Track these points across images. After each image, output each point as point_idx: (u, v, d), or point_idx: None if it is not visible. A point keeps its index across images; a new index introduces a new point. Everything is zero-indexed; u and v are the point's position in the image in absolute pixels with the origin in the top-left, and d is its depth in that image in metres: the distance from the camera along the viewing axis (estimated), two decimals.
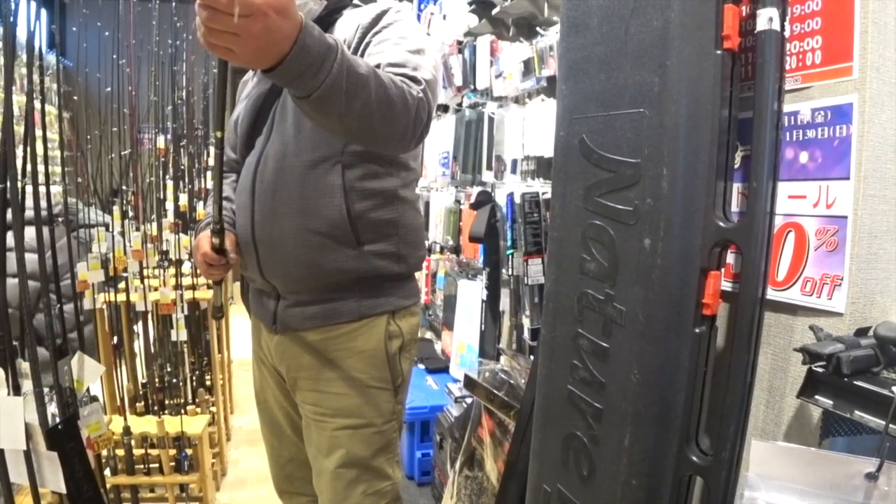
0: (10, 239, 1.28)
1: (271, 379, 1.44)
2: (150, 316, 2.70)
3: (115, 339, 2.60)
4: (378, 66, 1.12)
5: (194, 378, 2.96)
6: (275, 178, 1.27)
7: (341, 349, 1.31)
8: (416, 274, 1.45)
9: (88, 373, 1.48)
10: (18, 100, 1.83)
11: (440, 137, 3.00)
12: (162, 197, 3.01)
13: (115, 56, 2.84)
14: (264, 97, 1.36)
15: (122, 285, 2.53)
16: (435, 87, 1.22)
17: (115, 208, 2.70)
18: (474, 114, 2.64)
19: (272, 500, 1.61)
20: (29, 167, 1.39)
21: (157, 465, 2.33)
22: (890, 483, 0.66)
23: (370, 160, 1.27)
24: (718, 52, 0.88)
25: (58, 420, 1.33)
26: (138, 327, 2.74)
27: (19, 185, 1.31)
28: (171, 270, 2.74)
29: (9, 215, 1.28)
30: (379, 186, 1.29)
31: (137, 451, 2.30)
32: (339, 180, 1.24)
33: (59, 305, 1.55)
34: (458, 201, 2.93)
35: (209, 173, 3.28)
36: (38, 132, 1.42)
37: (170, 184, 3.01)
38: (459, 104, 2.91)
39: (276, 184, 1.27)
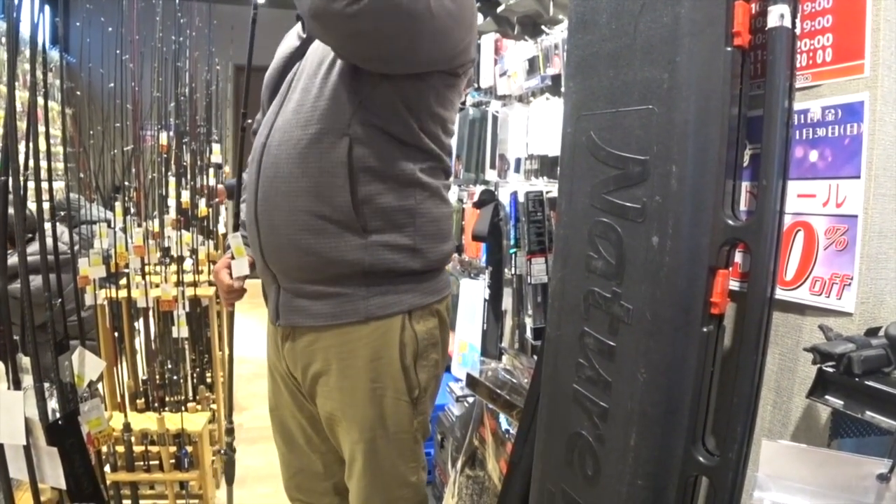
0: None
1: (285, 388, 1.37)
2: (151, 312, 2.69)
3: (116, 334, 2.60)
4: None
5: (195, 375, 2.95)
6: (278, 152, 1.18)
7: (352, 357, 1.23)
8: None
9: (89, 368, 1.48)
10: (21, 95, 1.82)
11: None
12: (164, 193, 3.01)
13: (118, 52, 2.84)
14: (287, 59, 1.30)
15: (123, 281, 2.53)
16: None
17: (117, 204, 2.69)
18: (478, 112, 2.63)
19: (272, 498, 1.61)
20: (31, 163, 1.38)
21: (157, 462, 2.33)
22: None
23: (384, 137, 1.17)
24: (728, 48, 0.87)
25: (58, 415, 1.32)
26: (139, 324, 2.74)
27: (21, 179, 1.30)
28: (173, 267, 2.74)
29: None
30: (392, 168, 1.17)
31: (137, 448, 2.30)
32: (345, 157, 1.14)
33: (59, 300, 1.54)
34: (460, 200, 2.92)
35: (211, 170, 3.28)
36: (41, 128, 1.42)
37: (172, 180, 3.00)
38: (463, 103, 2.91)
39: (280, 158, 1.18)
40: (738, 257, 0.96)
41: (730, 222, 0.87)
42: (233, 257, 1.43)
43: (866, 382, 0.71)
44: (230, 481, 1.53)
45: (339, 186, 1.15)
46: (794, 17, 0.85)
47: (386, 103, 1.16)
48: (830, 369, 0.75)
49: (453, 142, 2.80)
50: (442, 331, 1.31)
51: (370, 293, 1.20)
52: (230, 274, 1.42)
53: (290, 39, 1.36)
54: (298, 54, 1.27)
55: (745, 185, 0.95)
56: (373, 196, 1.17)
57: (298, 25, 1.36)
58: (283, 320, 1.27)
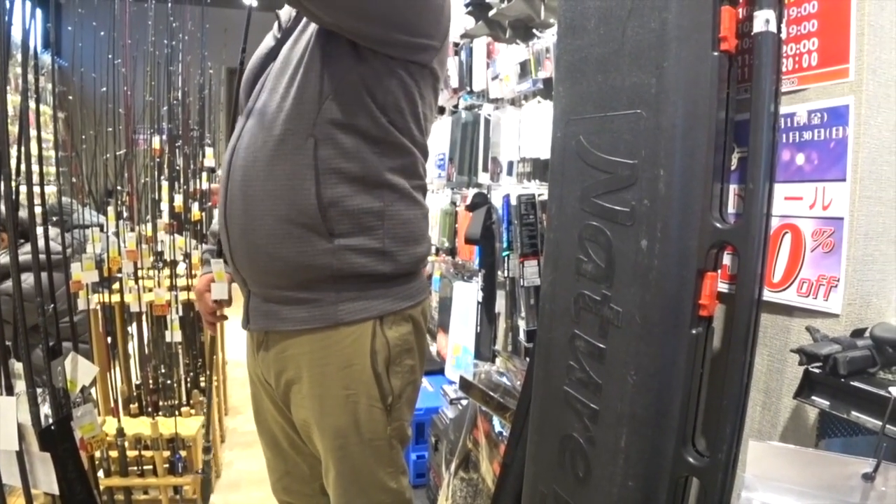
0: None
1: (264, 394, 1.36)
2: (144, 317, 2.69)
3: (109, 339, 2.60)
4: None
5: (189, 379, 2.95)
6: (246, 155, 1.17)
7: (324, 365, 1.21)
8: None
9: (82, 373, 1.47)
10: (13, 99, 1.82)
11: (436, 139, 3.00)
12: (157, 197, 3.00)
13: (110, 56, 2.84)
14: (262, 60, 1.29)
15: (116, 286, 2.53)
16: None
17: (110, 209, 2.69)
18: (470, 116, 2.63)
19: (266, 502, 1.61)
20: (23, 167, 1.38)
21: (150, 466, 2.33)
22: (887, 483, 0.66)
23: (351, 134, 1.14)
24: (715, 53, 0.88)
25: (51, 421, 1.32)
26: (132, 328, 2.73)
27: (13, 184, 1.30)
28: (166, 271, 2.74)
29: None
30: (359, 169, 1.14)
31: (131, 453, 2.30)
32: (310, 159, 1.11)
33: (52, 305, 1.54)
34: (453, 203, 2.92)
35: (204, 174, 3.28)
36: (33, 132, 1.41)
37: (165, 184, 2.99)
38: (455, 106, 2.91)
39: (247, 161, 1.16)
40: (726, 259, 0.97)
41: (717, 225, 0.88)
42: (213, 280, 1.43)
43: (852, 383, 0.72)
44: (206, 501, 1.57)
45: (305, 189, 1.12)
46: (779, 22, 0.86)
47: (351, 97, 1.14)
48: (817, 370, 0.76)
49: (446, 145, 2.82)
50: (417, 336, 1.29)
51: (339, 298, 1.18)
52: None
53: (267, 41, 1.35)
54: (272, 55, 1.26)
55: (732, 188, 0.96)
56: (339, 198, 1.14)
57: (275, 26, 1.35)
58: (252, 324, 1.26)
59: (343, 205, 1.14)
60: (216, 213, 1.40)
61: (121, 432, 2.23)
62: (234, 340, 3.64)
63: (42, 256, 1.43)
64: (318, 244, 1.15)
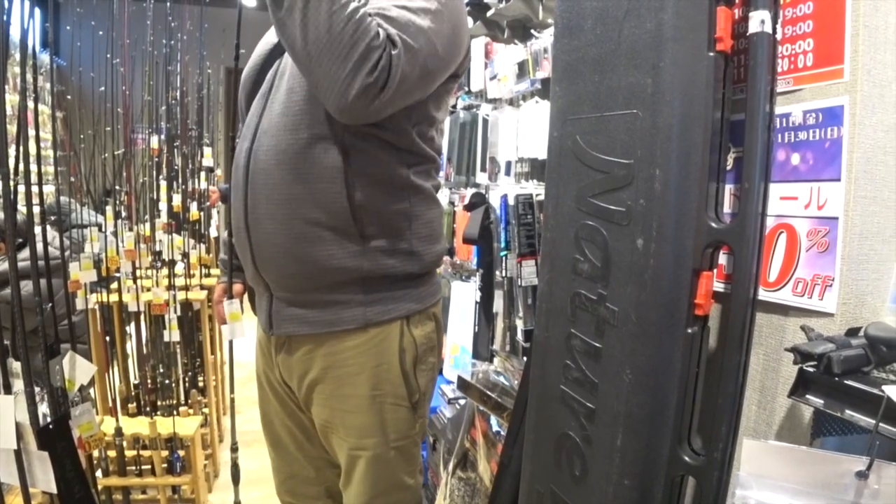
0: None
1: (273, 396, 1.36)
2: (142, 316, 2.69)
3: (108, 339, 2.60)
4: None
5: (187, 379, 2.95)
6: (267, 157, 1.14)
7: (351, 365, 1.20)
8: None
9: (80, 372, 1.48)
10: (11, 99, 1.82)
11: None
12: (155, 197, 3.01)
13: (108, 55, 2.84)
14: (265, 57, 1.26)
15: (114, 285, 2.53)
16: (420, 57, 1.06)
17: (108, 208, 2.69)
18: (468, 115, 2.63)
19: (265, 501, 1.61)
20: (22, 166, 1.38)
21: (149, 466, 2.33)
22: (880, 481, 0.66)
23: (378, 143, 1.14)
24: (711, 54, 0.88)
25: (49, 420, 1.32)
26: (131, 328, 2.73)
27: (11, 183, 1.30)
28: (164, 271, 2.74)
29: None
30: (387, 173, 1.16)
31: (129, 453, 2.30)
32: (340, 163, 1.11)
33: (50, 305, 1.54)
34: (451, 203, 2.92)
35: (203, 174, 3.28)
36: (32, 131, 1.41)
37: (163, 184, 3.00)
38: (454, 106, 2.91)
39: (269, 164, 1.14)
40: (722, 259, 0.97)
41: (713, 225, 0.89)
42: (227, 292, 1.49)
43: (845, 381, 0.72)
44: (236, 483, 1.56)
45: (336, 192, 1.12)
46: (774, 22, 0.86)
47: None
48: (811, 369, 0.76)
49: (444, 144, 2.82)
50: (438, 333, 1.30)
51: (369, 299, 1.18)
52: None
53: (269, 37, 1.32)
54: (278, 52, 1.24)
55: (728, 188, 0.96)
56: (369, 201, 1.14)
57: None
58: (276, 329, 1.24)
59: (373, 207, 1.15)
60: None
61: (119, 432, 2.23)
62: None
63: (41, 263, 1.43)
64: (349, 246, 1.14)
